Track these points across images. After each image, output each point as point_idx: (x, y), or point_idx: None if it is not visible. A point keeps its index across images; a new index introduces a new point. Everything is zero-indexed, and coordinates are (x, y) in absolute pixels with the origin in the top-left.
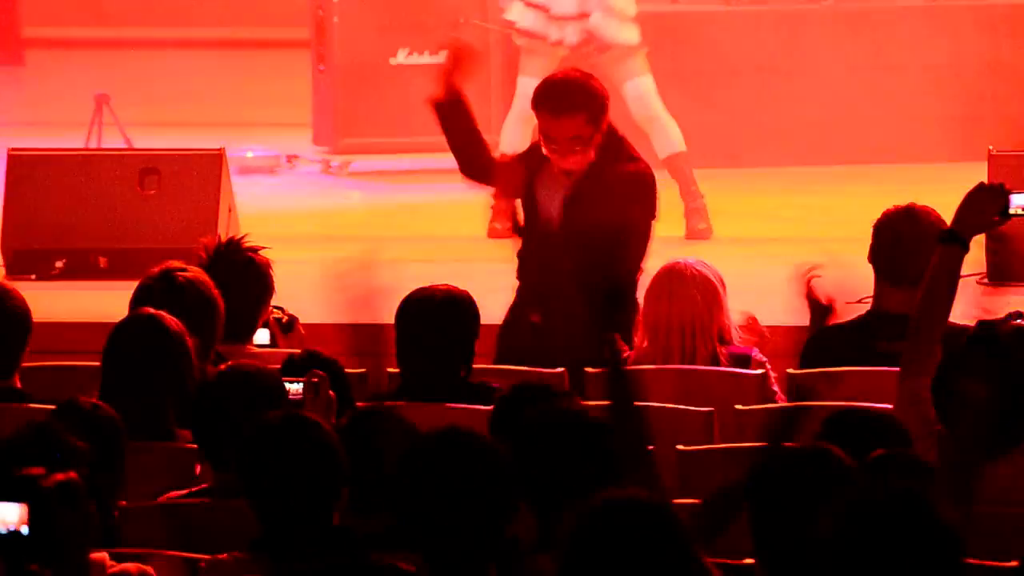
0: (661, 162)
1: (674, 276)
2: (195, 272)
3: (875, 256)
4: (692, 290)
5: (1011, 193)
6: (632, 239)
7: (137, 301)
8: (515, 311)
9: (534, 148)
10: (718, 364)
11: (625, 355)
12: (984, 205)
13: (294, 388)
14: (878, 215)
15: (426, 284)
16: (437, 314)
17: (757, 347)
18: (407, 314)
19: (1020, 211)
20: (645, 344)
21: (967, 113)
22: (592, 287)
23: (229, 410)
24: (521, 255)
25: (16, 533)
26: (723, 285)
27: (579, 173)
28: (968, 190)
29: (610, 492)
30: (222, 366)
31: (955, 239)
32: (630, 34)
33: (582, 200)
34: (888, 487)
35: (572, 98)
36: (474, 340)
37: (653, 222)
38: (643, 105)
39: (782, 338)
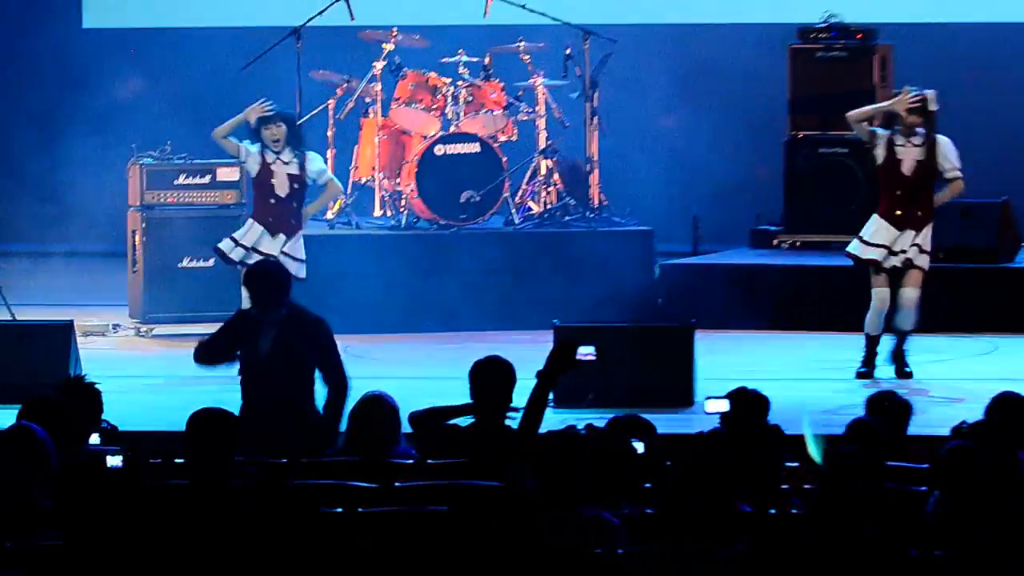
0: None
1: None
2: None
3: None
4: None
5: (578, 344)
6: (331, 352)
7: (25, 414)
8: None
9: (243, 312)
10: None
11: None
12: (565, 354)
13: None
14: None
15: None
16: None
17: None
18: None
19: (585, 356)
20: None
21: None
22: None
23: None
24: (243, 382)
25: None
26: None
27: (279, 321)
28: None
29: None
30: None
31: (546, 377)
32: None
33: (289, 336)
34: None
35: (272, 285)
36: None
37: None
38: None
39: None
